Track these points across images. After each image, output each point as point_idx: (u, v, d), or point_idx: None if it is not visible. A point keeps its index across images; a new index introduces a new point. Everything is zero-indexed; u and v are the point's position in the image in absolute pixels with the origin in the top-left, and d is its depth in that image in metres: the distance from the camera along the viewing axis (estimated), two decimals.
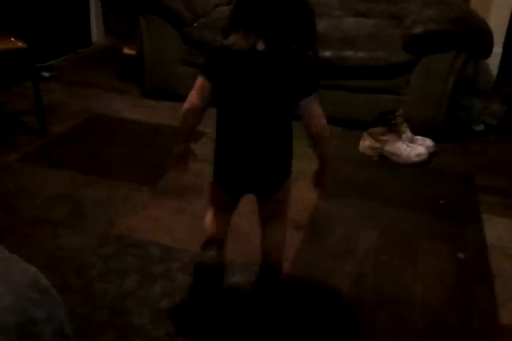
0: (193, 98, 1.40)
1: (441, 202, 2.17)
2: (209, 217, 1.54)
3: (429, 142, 2.52)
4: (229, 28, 1.36)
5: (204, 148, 2.48)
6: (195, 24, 2.86)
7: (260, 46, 1.31)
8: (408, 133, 2.49)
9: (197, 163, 2.25)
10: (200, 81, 1.39)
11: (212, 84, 1.37)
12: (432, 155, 2.48)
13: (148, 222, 1.95)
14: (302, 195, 2.16)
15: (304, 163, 2.37)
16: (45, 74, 3.22)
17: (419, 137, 2.53)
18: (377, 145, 2.48)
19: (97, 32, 3.97)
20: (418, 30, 2.54)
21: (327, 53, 2.64)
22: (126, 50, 3.47)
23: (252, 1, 1.32)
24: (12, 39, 2.33)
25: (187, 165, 1.54)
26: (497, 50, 3.06)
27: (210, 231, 1.53)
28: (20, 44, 2.32)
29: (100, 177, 2.22)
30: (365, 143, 2.52)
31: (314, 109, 1.38)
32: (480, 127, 2.77)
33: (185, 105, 1.42)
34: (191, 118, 1.44)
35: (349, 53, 2.63)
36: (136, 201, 2.07)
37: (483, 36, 2.49)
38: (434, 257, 1.85)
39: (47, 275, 1.61)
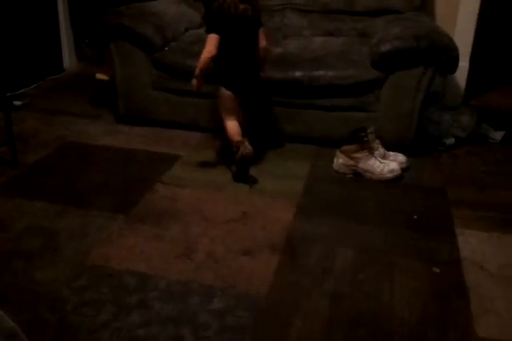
0: (211, 48, 2.26)
1: (415, 217, 2.19)
2: (229, 124, 2.44)
3: (401, 157, 2.55)
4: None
5: (179, 171, 2.51)
6: (166, 49, 2.88)
7: (242, 6, 2.27)
8: (381, 150, 2.52)
9: (172, 189, 2.28)
10: (213, 36, 2.26)
11: (219, 36, 2.26)
12: (404, 170, 2.52)
13: (123, 250, 1.93)
14: (278, 215, 2.18)
15: (282, 183, 2.43)
16: (17, 102, 3.20)
17: (391, 153, 2.57)
18: (350, 162, 2.51)
19: (68, 58, 3.97)
20: (385, 47, 2.58)
21: (298, 73, 2.68)
22: (99, 76, 3.47)
23: None
24: None
25: (202, 85, 2.36)
26: (464, 64, 3.15)
27: (236, 133, 2.42)
28: None
29: (74, 206, 2.20)
30: (339, 160, 2.54)
31: (265, 32, 2.47)
32: (450, 140, 2.81)
33: (206, 54, 2.27)
34: (210, 62, 2.30)
35: (320, 73, 2.67)
36: (110, 229, 2.05)
37: (448, 52, 2.53)
38: (410, 273, 1.86)
39: (21, 310, 1.61)
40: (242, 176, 2.43)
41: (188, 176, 2.48)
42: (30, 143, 2.76)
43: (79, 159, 2.63)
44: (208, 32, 2.29)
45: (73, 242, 1.97)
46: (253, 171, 2.52)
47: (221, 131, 2.63)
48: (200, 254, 1.93)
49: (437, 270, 1.87)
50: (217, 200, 2.29)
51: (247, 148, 2.36)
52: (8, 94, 2.80)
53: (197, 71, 2.33)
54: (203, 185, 2.41)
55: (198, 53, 2.80)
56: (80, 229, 2.05)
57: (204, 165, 2.60)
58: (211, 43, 2.27)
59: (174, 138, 2.85)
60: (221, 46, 2.29)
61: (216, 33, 2.27)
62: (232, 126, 2.44)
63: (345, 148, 2.52)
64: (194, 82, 2.35)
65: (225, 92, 2.39)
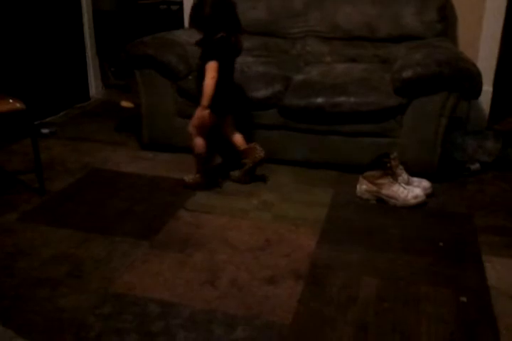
0: (215, 74, 2.40)
1: (441, 244, 2.16)
2: (199, 139, 2.58)
3: (425, 183, 2.53)
4: (217, 30, 2.38)
5: (203, 198, 2.52)
6: (190, 77, 2.92)
7: (238, 38, 2.48)
8: (404, 176, 2.51)
9: (196, 216, 2.28)
10: (215, 63, 2.39)
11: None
12: (429, 196, 2.49)
13: (147, 277, 1.94)
14: (301, 242, 2.17)
15: (305, 209, 2.42)
16: (45, 130, 3.28)
17: (415, 179, 2.55)
18: (374, 188, 2.49)
19: (95, 86, 4.07)
20: (407, 74, 2.59)
21: (319, 100, 2.69)
22: (124, 103, 3.56)
23: (226, 14, 2.42)
24: (10, 100, 2.38)
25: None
26: (487, 88, 3.14)
27: (202, 149, 2.59)
28: (18, 105, 2.37)
29: (99, 233, 2.22)
30: (362, 186, 2.53)
31: None
32: (476, 166, 2.78)
33: (212, 81, 2.40)
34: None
35: (341, 99, 2.68)
36: (135, 256, 2.07)
37: (471, 77, 2.53)
38: (437, 302, 1.82)
39: (47, 338, 1.62)
40: (252, 177, 2.68)
41: (212, 203, 2.50)
42: (56, 171, 2.81)
43: (104, 186, 2.66)
44: (210, 59, 2.40)
45: (98, 269, 1.98)
46: (275, 197, 2.55)
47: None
48: (224, 282, 1.92)
49: (464, 299, 1.83)
50: (241, 227, 2.29)
51: (262, 151, 2.60)
52: (35, 123, 2.86)
53: (206, 101, 2.43)
54: (226, 211, 2.42)
55: None
56: (105, 256, 2.07)
57: (227, 191, 2.61)
58: (215, 70, 2.40)
59: None
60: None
61: (217, 60, 2.39)
62: (202, 141, 2.58)
63: (368, 174, 2.51)
64: (207, 113, 2.45)
65: (207, 113, 2.47)
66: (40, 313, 1.74)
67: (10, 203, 2.46)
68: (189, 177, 2.63)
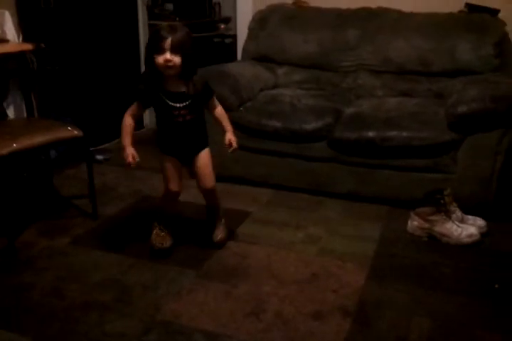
0: None
1: (496, 286, 2.07)
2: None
3: (480, 222, 2.45)
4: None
5: (250, 228, 2.51)
6: (241, 108, 2.97)
7: None
8: (458, 213, 2.44)
9: (242, 246, 2.26)
10: None
11: None
12: (484, 235, 2.41)
13: (193, 306, 1.93)
14: (349, 278, 2.13)
15: (353, 244, 2.38)
16: (99, 157, 3.37)
17: (469, 217, 2.47)
18: (426, 225, 2.43)
19: (149, 115, 4.18)
20: (461, 109, 2.54)
21: (371, 133, 2.67)
22: None
23: None
24: (69, 128, 2.47)
25: None
26: None
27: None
28: (76, 132, 2.45)
29: (147, 260, 2.25)
30: (414, 223, 2.47)
31: None
32: None
33: None
34: None
35: (393, 133, 2.65)
36: (181, 285, 2.07)
37: None
38: None
39: None
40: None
41: (258, 233, 2.49)
42: (109, 196, 2.88)
43: (153, 213, 2.69)
44: (214, 92, 2.36)
45: (145, 296, 1.99)
46: (322, 231, 2.51)
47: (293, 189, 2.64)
48: (269, 314, 1.89)
49: None
50: (287, 259, 2.27)
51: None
52: (91, 149, 2.95)
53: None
54: (272, 243, 2.40)
55: (273, 113, 2.92)
56: (152, 283, 2.08)
57: (274, 222, 2.60)
58: None
59: (245, 195, 2.88)
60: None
61: None
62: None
63: (420, 210, 2.45)
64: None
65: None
66: (87, 337, 1.75)
67: (63, 227, 2.53)
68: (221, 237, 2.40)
